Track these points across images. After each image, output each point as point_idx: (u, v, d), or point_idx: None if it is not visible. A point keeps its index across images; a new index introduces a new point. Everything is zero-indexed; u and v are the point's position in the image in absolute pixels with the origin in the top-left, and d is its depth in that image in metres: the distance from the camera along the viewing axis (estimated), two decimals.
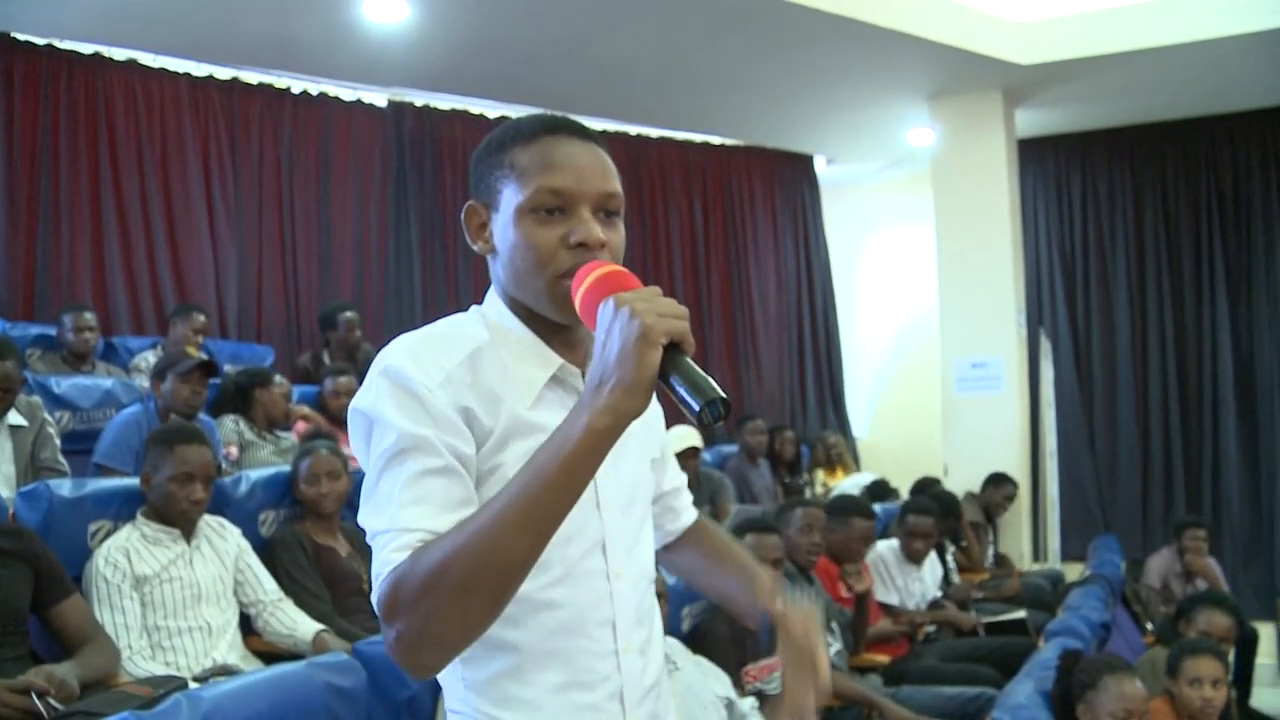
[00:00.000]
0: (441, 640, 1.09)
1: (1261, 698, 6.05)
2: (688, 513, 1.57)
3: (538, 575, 1.15)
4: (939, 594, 5.31)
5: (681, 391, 1.06)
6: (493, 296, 1.33)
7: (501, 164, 1.26)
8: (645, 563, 1.37)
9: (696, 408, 1.05)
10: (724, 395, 1.06)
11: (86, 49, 6.26)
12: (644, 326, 1.05)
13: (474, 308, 1.34)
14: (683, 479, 1.57)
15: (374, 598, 1.12)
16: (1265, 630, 6.43)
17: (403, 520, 1.12)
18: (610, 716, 1.28)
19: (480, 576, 1.06)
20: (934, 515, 5.17)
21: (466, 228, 1.32)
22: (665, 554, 1.55)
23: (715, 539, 1.57)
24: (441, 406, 1.17)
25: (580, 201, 1.23)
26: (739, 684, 3.51)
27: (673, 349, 1.07)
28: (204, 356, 4.39)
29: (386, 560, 1.11)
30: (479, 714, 1.25)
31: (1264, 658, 6.28)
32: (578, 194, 1.23)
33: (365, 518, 1.17)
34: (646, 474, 1.41)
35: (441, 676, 1.25)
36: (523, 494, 1.07)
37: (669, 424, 1.43)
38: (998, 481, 6.98)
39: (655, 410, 1.42)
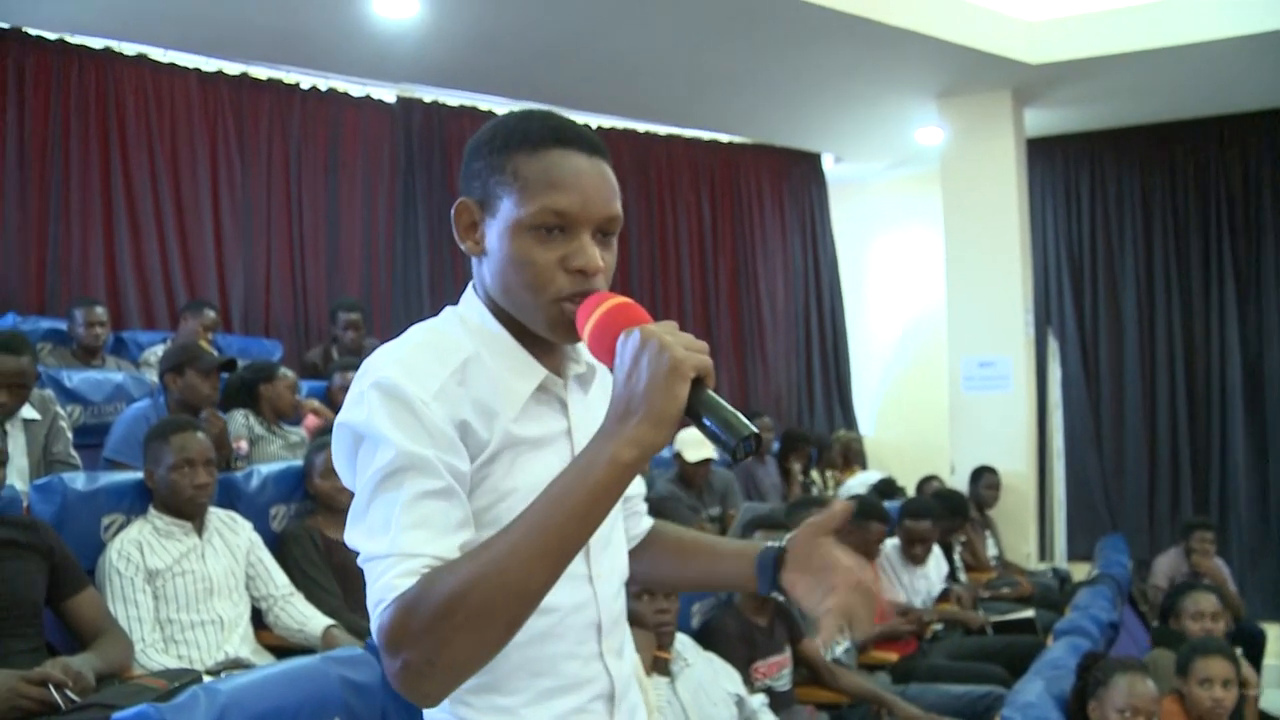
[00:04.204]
0: (452, 668, 1.07)
1: (1270, 698, 6.05)
2: (647, 516, 1.54)
3: None
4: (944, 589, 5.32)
5: (714, 428, 1.07)
6: (471, 297, 1.29)
7: (502, 169, 1.21)
8: (620, 563, 1.36)
9: (732, 444, 1.06)
10: (755, 430, 1.07)
11: (97, 44, 6.28)
12: (674, 360, 1.04)
13: (448, 310, 1.29)
14: (641, 484, 1.54)
15: (375, 625, 1.08)
16: (1273, 631, 6.43)
17: (404, 545, 1.08)
18: (597, 717, 1.27)
19: (499, 604, 1.04)
20: (931, 518, 5.17)
21: (455, 224, 1.27)
22: (630, 561, 1.48)
23: (680, 530, 1.55)
24: (438, 421, 1.14)
25: (583, 225, 1.20)
26: (749, 681, 3.52)
27: (697, 383, 1.07)
28: (217, 353, 4.41)
29: (390, 586, 1.07)
30: None
31: (1272, 658, 6.28)
32: (581, 217, 1.19)
33: (357, 539, 1.13)
34: None
35: None
36: (544, 523, 1.05)
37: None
38: (980, 475, 7.04)
39: None
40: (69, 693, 2.40)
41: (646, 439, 1.05)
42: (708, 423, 1.07)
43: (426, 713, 1.26)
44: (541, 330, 1.22)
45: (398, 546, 1.08)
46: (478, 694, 1.22)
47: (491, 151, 1.23)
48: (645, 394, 1.04)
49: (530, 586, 1.06)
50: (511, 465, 1.19)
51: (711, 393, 1.08)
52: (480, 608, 1.03)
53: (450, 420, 1.15)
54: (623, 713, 1.30)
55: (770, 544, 1.36)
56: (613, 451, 1.05)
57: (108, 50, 6.32)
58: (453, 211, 1.28)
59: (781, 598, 1.34)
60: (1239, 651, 4.22)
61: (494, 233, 1.22)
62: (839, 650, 4.08)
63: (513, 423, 1.21)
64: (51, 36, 6.10)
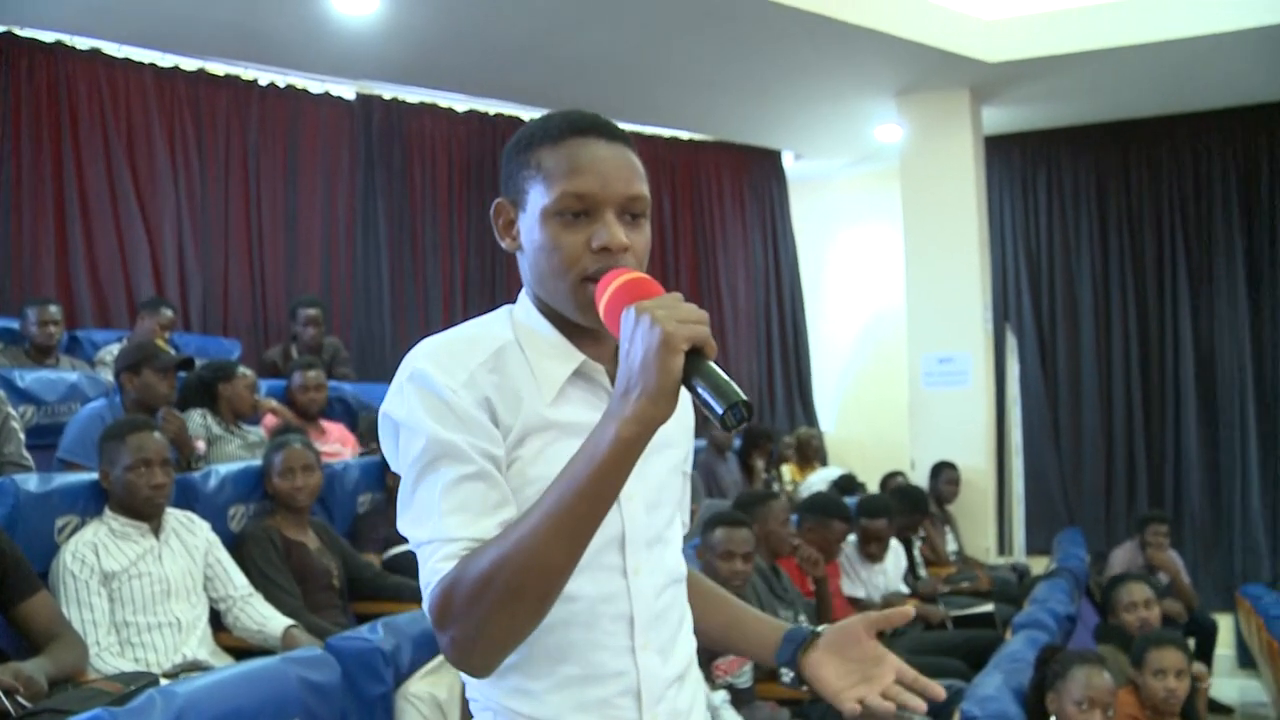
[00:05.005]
0: (494, 643, 1.15)
1: (1220, 687, 6.15)
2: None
3: None
4: (903, 587, 5.35)
5: (705, 396, 1.08)
6: (523, 294, 1.34)
7: (528, 164, 1.27)
8: (669, 563, 1.36)
9: (720, 411, 1.07)
10: (745, 398, 1.07)
11: (48, 37, 6.17)
12: (665, 334, 1.06)
13: (505, 306, 1.34)
14: (687, 525, 1.55)
15: (425, 606, 1.17)
16: (1225, 621, 6.54)
17: (445, 530, 1.16)
18: (624, 712, 1.27)
19: (526, 582, 1.11)
20: (887, 516, 5.19)
21: (495, 224, 1.33)
22: None
23: (708, 581, 1.58)
24: (467, 407, 1.19)
25: (604, 205, 1.24)
26: (710, 678, 3.52)
27: (695, 354, 1.08)
28: (174, 352, 4.36)
29: (435, 570, 1.15)
30: (493, 704, 1.27)
31: (1223, 648, 6.39)
32: (602, 198, 1.23)
33: (407, 527, 1.20)
34: (677, 480, 1.41)
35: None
36: (558, 503, 1.10)
37: None
38: (939, 470, 7.14)
39: (688, 415, 1.43)
40: (20, 699, 2.36)
41: (646, 414, 1.07)
42: (700, 391, 1.08)
43: (466, 691, 1.32)
44: (574, 315, 1.26)
45: (439, 532, 1.16)
46: (505, 676, 1.25)
47: (518, 151, 1.30)
48: (640, 369, 1.07)
49: (553, 564, 1.11)
50: (541, 451, 1.23)
51: (709, 363, 1.08)
52: (509, 586, 1.10)
53: (478, 404, 1.21)
54: (658, 715, 1.29)
55: (806, 625, 1.44)
56: (616, 430, 1.08)
57: (59, 44, 6.21)
58: (491, 212, 1.33)
59: (789, 675, 1.38)
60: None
61: (526, 226, 1.28)
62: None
63: (547, 406, 1.25)
64: None
